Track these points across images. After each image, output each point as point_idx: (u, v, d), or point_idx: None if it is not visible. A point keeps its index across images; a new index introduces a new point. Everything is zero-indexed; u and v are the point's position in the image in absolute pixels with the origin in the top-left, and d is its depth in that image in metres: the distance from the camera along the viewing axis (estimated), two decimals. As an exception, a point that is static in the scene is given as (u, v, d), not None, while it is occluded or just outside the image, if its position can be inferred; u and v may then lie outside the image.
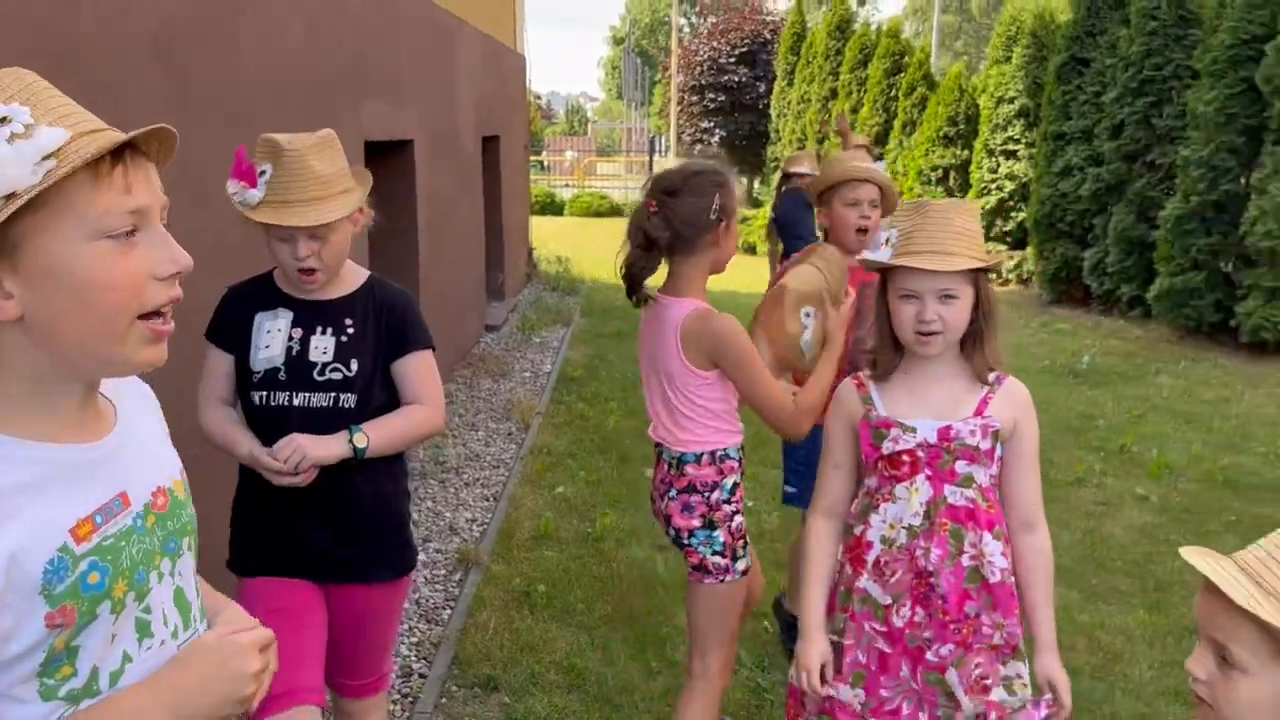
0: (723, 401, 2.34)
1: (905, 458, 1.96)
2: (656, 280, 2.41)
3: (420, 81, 6.54)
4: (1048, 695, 1.93)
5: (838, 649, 2.02)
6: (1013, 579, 1.96)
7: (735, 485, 2.38)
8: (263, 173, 1.94)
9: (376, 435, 2.04)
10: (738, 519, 2.38)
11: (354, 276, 2.18)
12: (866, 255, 2.04)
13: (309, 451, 1.97)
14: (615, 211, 25.73)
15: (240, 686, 1.16)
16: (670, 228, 2.28)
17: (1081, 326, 9.81)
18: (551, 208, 25.43)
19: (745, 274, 7.98)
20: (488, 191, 9.17)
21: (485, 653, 3.46)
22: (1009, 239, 12.19)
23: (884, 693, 1.99)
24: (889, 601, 1.97)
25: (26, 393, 1.05)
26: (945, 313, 1.90)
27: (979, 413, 1.95)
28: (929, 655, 1.95)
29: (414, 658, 3.46)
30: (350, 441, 2.01)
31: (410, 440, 2.15)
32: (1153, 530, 4.78)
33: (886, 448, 1.97)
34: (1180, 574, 4.15)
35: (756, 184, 21.70)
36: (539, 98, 51.32)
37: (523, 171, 12.26)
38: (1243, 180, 7.96)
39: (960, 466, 1.94)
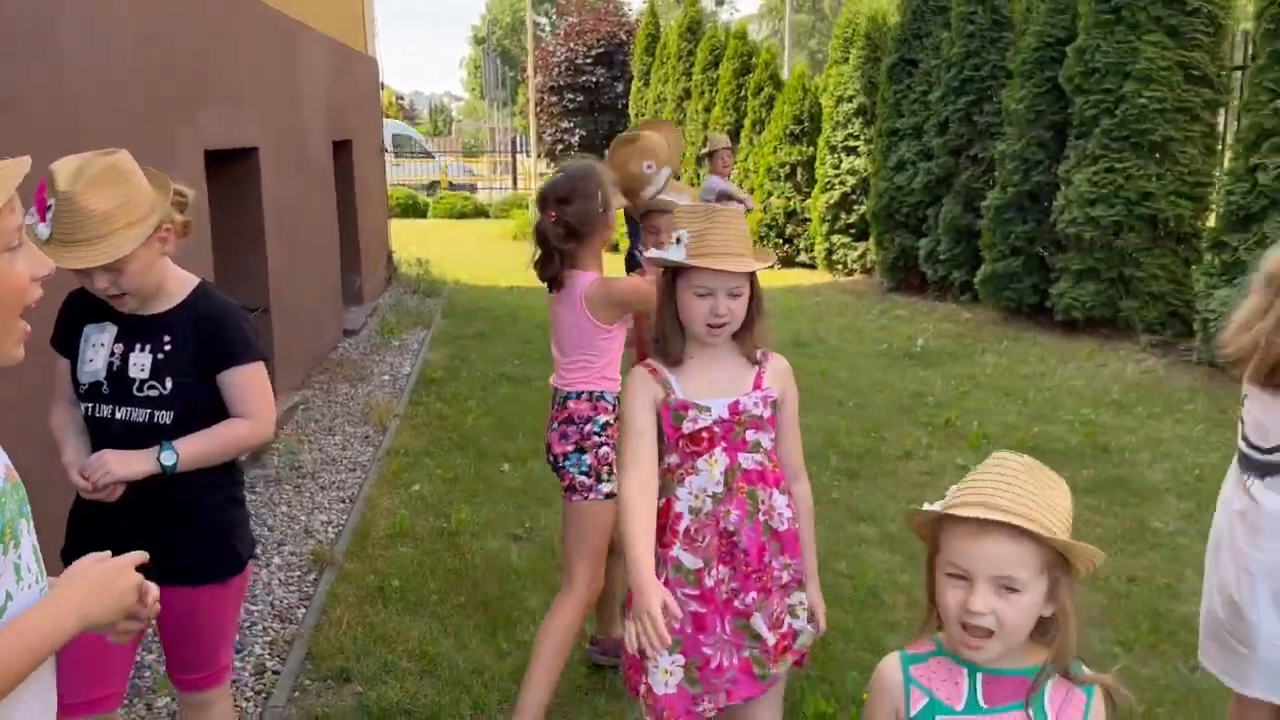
0: (610, 354, 2.92)
1: (704, 434, 2.21)
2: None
3: (263, 88, 6.54)
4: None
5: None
6: (796, 525, 2.28)
7: (606, 424, 2.91)
8: (49, 207, 1.96)
9: (188, 450, 2.13)
10: (604, 449, 2.89)
11: (181, 288, 2.23)
12: (657, 254, 2.28)
13: (114, 469, 2.07)
14: (480, 213, 25.67)
15: (126, 595, 1.39)
16: (570, 230, 2.83)
17: (918, 311, 10.42)
18: (414, 210, 25.17)
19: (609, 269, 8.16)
20: (341, 196, 9.16)
21: (339, 647, 3.59)
22: (852, 231, 12.80)
23: (706, 650, 2.21)
24: (700, 565, 2.20)
25: None
26: (734, 306, 2.18)
27: (757, 386, 2.25)
28: (736, 603, 2.20)
29: (268, 655, 3.56)
30: (158, 458, 2.10)
31: (229, 453, 2.24)
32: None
33: (686, 427, 2.21)
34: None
35: (618, 182, 21.97)
36: (401, 98, 50.50)
37: (379, 174, 12.23)
38: (1053, 171, 8.61)
39: (750, 435, 2.22)
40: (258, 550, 4.22)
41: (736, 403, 2.22)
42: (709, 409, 2.21)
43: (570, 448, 2.90)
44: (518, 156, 28.59)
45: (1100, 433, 6.22)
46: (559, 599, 2.95)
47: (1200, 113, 7.77)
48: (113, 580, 1.38)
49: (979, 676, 1.53)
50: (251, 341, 2.26)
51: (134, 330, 2.19)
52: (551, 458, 2.98)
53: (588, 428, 2.90)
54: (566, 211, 2.84)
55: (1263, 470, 2.05)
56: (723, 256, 2.15)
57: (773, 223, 13.93)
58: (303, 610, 3.91)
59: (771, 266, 2.30)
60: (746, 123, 14.85)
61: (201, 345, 2.18)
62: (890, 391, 7.26)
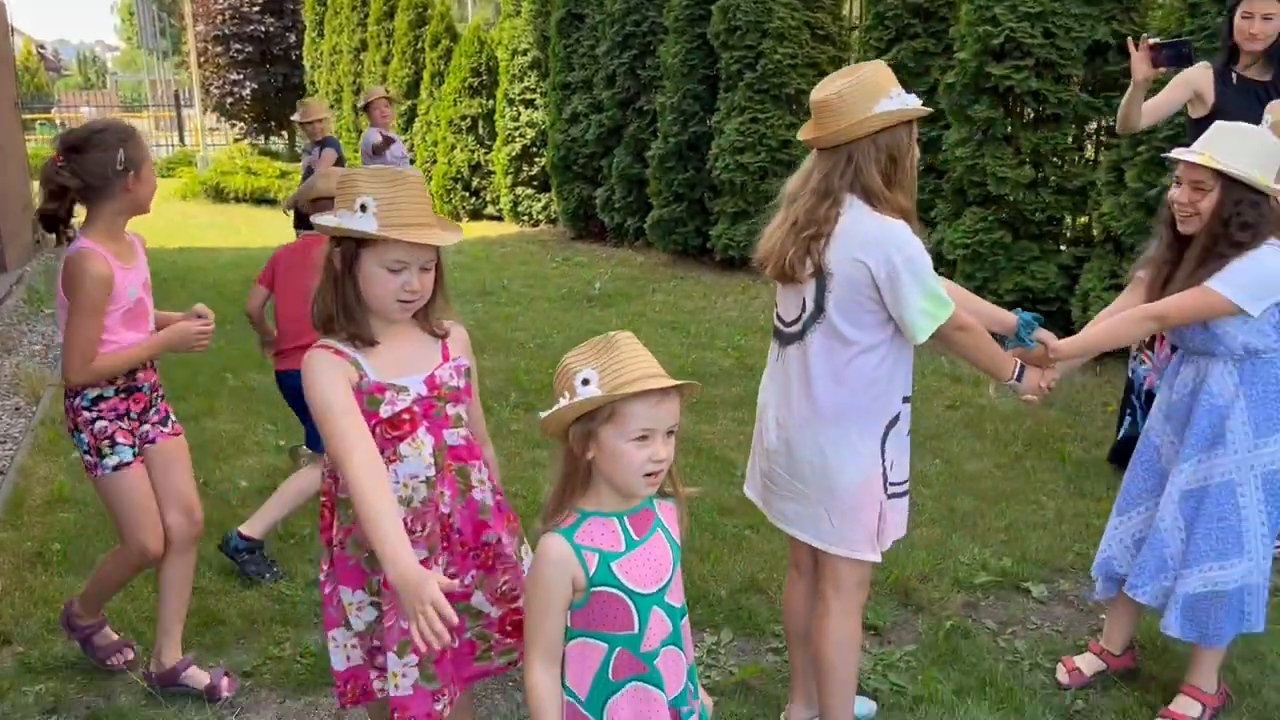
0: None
1: (405, 416, 2.05)
2: None
3: None
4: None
5: (379, 616, 2.10)
6: (500, 494, 2.23)
7: (97, 397, 2.83)
8: None
9: None
10: (99, 424, 2.83)
11: None
12: (341, 222, 2.03)
13: None
14: (144, 172, 23.78)
15: None
16: (80, 179, 2.66)
17: (597, 258, 10.97)
18: (66, 171, 22.90)
19: (276, 228, 7.99)
20: (-31, 154, 8.31)
21: (-7, 610, 3.47)
22: (535, 183, 13.16)
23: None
24: (425, 556, 2.05)
25: None
26: (426, 281, 2.06)
27: (446, 358, 2.14)
28: (457, 586, 2.02)
29: (-91, 630, 3.39)
30: None
31: None
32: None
33: (385, 411, 2.04)
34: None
35: (297, 139, 21.11)
36: (42, 48, 45.32)
37: (14, 132, 11.11)
38: (707, 122, 9.32)
39: (450, 410, 2.11)
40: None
41: (433, 376, 2.10)
42: (406, 388, 2.07)
43: (70, 429, 2.89)
44: (183, 111, 26.61)
45: (747, 356, 6.94)
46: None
47: (826, 68, 8.69)
48: None
49: (625, 519, 1.86)
50: None
51: None
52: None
53: (76, 402, 2.84)
54: (75, 159, 2.66)
55: (786, 340, 2.55)
56: (421, 228, 2.01)
57: (458, 175, 14.02)
58: (-50, 582, 3.72)
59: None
60: (425, 75, 14.78)
61: None
62: (569, 331, 7.68)
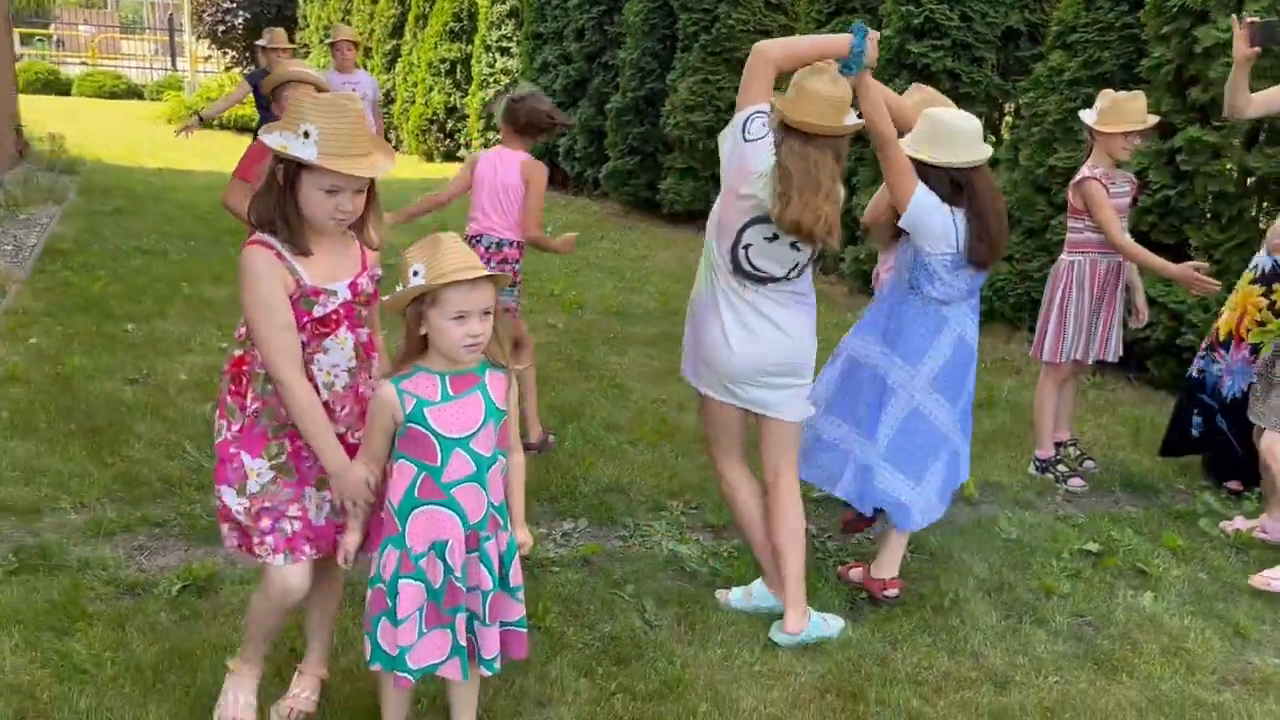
0: None
1: (333, 316, 2.37)
2: None
3: None
4: None
5: (281, 468, 2.42)
6: None
7: None
8: None
9: None
10: None
11: None
12: (282, 147, 2.24)
13: None
14: (134, 93, 23.95)
15: None
16: None
17: (557, 204, 11.39)
18: (56, 86, 23.09)
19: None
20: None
21: (-57, 463, 3.97)
22: (507, 128, 13.52)
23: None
24: (343, 431, 2.44)
25: None
26: (358, 201, 2.33)
27: (364, 266, 2.45)
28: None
29: None
30: None
31: None
32: (553, 345, 6.24)
33: (317, 311, 2.34)
34: (573, 368, 5.59)
35: (287, 70, 21.32)
36: (40, -39, 44.79)
37: (4, 45, 11.45)
38: (664, 80, 9.75)
39: (363, 312, 2.45)
40: None
41: (355, 283, 2.40)
42: (335, 292, 2.36)
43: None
44: (175, 37, 26.71)
45: (672, 300, 7.43)
46: None
47: (775, 34, 9.13)
48: None
49: (447, 378, 2.36)
50: None
51: None
52: None
53: None
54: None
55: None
56: (357, 159, 2.25)
57: (434, 117, 14.38)
58: (-93, 437, 4.22)
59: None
60: (410, 17, 15.09)
61: None
62: (513, 269, 8.16)
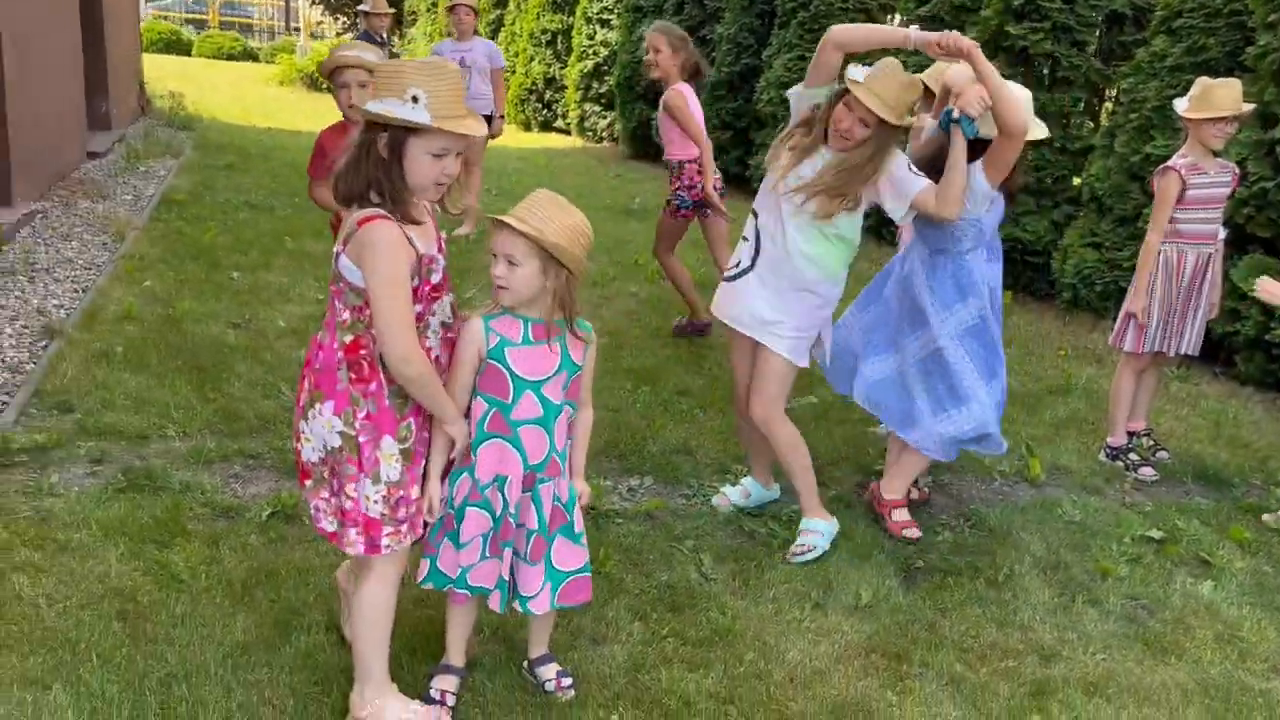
0: None
1: (443, 281, 2.45)
2: None
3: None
4: None
5: (406, 454, 2.43)
6: None
7: None
8: None
9: None
10: None
11: None
12: (391, 111, 2.19)
13: None
14: (250, 56, 24.81)
15: None
16: None
17: (647, 176, 11.53)
18: (177, 46, 24.03)
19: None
20: (88, 22, 9.17)
21: (64, 389, 4.31)
22: (603, 100, 13.69)
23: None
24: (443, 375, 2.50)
25: None
26: (458, 164, 2.33)
27: (438, 231, 2.47)
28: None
29: (-1, 394, 4.25)
30: None
31: None
32: (634, 312, 6.38)
33: (434, 278, 2.40)
34: (651, 335, 5.73)
35: (399, 36, 21.80)
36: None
37: (131, 7, 12.01)
38: (760, 55, 9.76)
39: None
40: (-9, 320, 4.82)
41: (441, 247, 2.46)
42: (439, 259, 2.42)
43: None
44: (290, 2, 27.50)
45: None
46: None
47: (876, 15, 9.07)
48: None
49: (530, 324, 2.52)
50: None
51: None
52: None
53: None
54: None
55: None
56: (462, 119, 2.23)
57: (533, 87, 14.60)
58: (32, 365, 4.57)
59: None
60: (518, -13, 15.32)
61: None
62: (601, 238, 8.30)
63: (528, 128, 15.02)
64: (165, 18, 28.20)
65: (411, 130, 2.21)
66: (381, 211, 2.26)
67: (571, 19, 13.99)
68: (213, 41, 24.83)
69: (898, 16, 8.79)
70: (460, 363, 2.52)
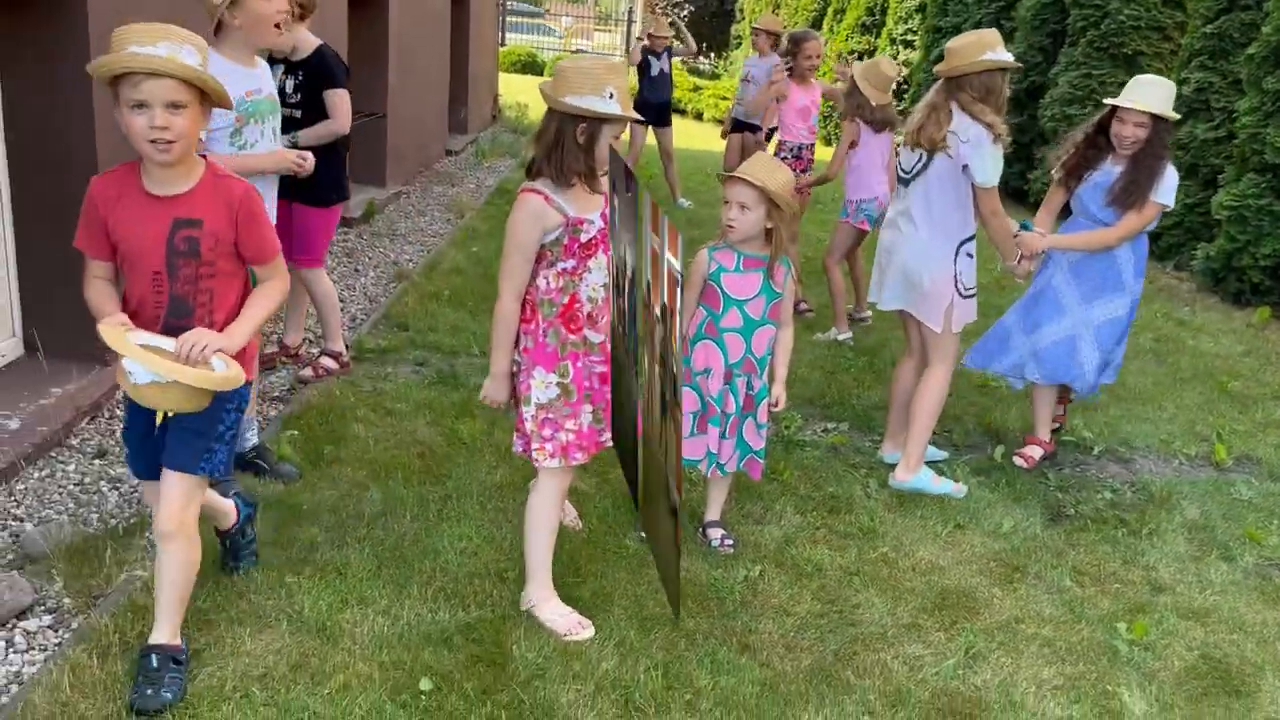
0: None
1: (594, 242, 2.78)
2: None
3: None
4: None
5: (565, 389, 2.83)
6: None
7: None
8: None
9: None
10: None
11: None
12: (587, 104, 2.61)
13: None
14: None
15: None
16: None
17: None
18: (532, 68, 26.85)
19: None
20: (456, 43, 11.02)
21: (403, 315, 5.66)
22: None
23: (607, 397, 2.99)
24: (602, 339, 2.90)
25: None
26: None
27: (607, 202, 2.84)
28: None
29: (359, 316, 5.66)
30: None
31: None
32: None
33: (583, 237, 2.73)
34: (880, 317, 6.37)
35: (721, 57, 23.18)
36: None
37: (492, 27, 14.02)
38: (1046, 74, 9.92)
39: (610, 239, 2.87)
40: (358, 268, 6.33)
41: (604, 214, 2.80)
42: (594, 222, 2.77)
43: None
44: (630, 28, 29.81)
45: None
46: None
47: (1172, 33, 9.00)
48: None
49: (741, 256, 3.35)
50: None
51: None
52: None
53: None
54: None
55: (905, 182, 4.05)
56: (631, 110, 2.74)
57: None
58: (385, 298, 6.00)
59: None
60: (829, 9, 16.07)
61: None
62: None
63: (828, 143, 15.72)
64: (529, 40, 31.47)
65: (604, 120, 2.67)
66: (533, 185, 2.72)
67: (877, 40, 14.57)
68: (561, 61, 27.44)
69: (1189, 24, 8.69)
70: (690, 285, 3.35)
